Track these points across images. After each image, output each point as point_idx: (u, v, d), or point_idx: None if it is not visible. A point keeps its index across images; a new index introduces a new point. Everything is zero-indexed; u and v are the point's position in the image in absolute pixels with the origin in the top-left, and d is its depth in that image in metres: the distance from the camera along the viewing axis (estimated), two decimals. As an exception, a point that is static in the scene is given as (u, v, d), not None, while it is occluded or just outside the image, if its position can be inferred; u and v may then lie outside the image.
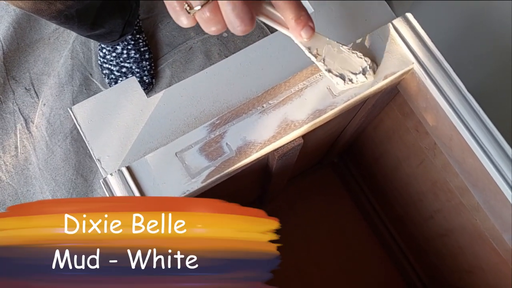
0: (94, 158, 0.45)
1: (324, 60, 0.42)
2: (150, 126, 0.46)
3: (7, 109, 1.01)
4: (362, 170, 0.87)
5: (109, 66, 1.03)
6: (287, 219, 0.92)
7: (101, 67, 1.04)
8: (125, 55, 1.02)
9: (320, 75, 0.45)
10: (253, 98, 0.45)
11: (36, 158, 0.98)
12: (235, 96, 0.47)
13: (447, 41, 0.82)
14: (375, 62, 0.46)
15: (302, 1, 0.38)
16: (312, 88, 0.45)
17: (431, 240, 0.74)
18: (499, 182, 0.43)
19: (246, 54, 0.49)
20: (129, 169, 0.42)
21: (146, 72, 1.03)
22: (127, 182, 0.42)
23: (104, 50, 1.03)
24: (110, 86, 1.03)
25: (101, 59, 1.04)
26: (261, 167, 0.56)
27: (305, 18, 0.38)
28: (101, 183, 0.42)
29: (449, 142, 0.48)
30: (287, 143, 0.46)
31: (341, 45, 0.43)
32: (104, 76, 1.04)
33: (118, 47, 1.02)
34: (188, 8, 0.34)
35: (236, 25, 0.35)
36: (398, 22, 0.47)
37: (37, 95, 1.03)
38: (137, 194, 0.41)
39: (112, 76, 1.03)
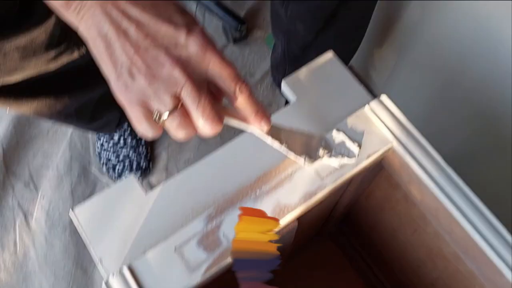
0: (95, 258, 0.46)
1: (286, 144, 0.46)
2: (149, 222, 0.48)
3: (7, 206, 1.03)
4: (360, 239, 0.88)
5: (107, 155, 1.06)
6: (291, 295, 0.91)
7: (99, 156, 1.08)
8: (122, 143, 1.06)
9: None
10: (246, 185, 0.48)
11: (35, 253, 0.98)
12: (229, 184, 0.50)
13: (422, 109, 0.87)
14: (359, 144, 0.49)
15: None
16: (300, 172, 0.48)
17: (436, 307, 0.73)
18: (487, 251, 0.44)
19: (237, 143, 0.52)
20: (130, 268, 0.43)
21: (143, 157, 1.07)
22: (128, 283, 0.43)
23: (101, 139, 1.07)
24: (108, 173, 1.06)
25: (99, 148, 1.07)
26: (259, 250, 0.57)
27: (262, 111, 0.41)
28: (103, 285, 0.43)
29: (436, 213, 0.50)
30: (282, 228, 0.48)
31: (298, 130, 0.48)
32: (102, 164, 1.07)
33: (115, 135, 1.06)
34: (156, 118, 0.35)
35: (207, 129, 0.36)
36: (374, 104, 0.51)
37: (36, 188, 1.05)
38: (139, 292, 0.42)
39: (110, 164, 1.06)
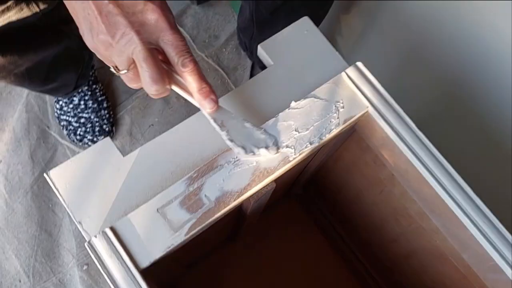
0: (75, 221, 0.46)
1: (228, 131, 0.47)
2: (128, 184, 0.48)
3: (-39, 169, 0.98)
4: (326, 200, 0.92)
5: (67, 118, 1.02)
6: (257, 253, 0.94)
7: (58, 119, 1.04)
8: (82, 106, 1.03)
9: (285, 124, 0.49)
10: (226, 150, 0.48)
11: (-4, 218, 0.95)
12: (209, 148, 0.50)
13: (389, 76, 0.89)
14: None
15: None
16: (282, 136, 0.49)
17: (396, 260, 0.78)
18: (454, 208, 0.48)
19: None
20: (112, 229, 0.43)
21: (105, 120, 1.04)
22: (112, 243, 0.43)
23: (60, 102, 1.03)
24: (69, 138, 1.03)
25: (58, 111, 1.03)
26: (236, 211, 0.59)
27: (207, 91, 0.44)
28: (86, 246, 0.43)
29: (406, 174, 0.53)
30: (261, 189, 0.49)
31: (245, 121, 0.48)
32: (62, 127, 1.03)
33: (75, 98, 1.02)
34: (115, 71, 0.43)
35: (150, 88, 0.42)
36: (350, 71, 0.52)
37: (-8, 152, 1.00)
38: (123, 253, 0.42)
39: (71, 127, 1.02)
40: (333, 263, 0.95)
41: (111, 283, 0.42)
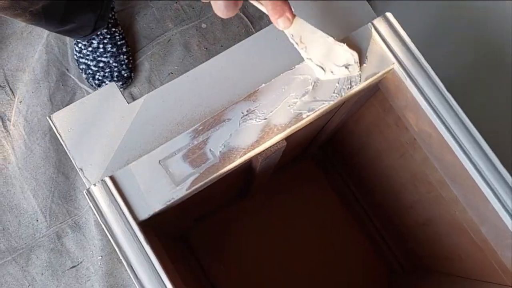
0: (76, 168, 0.44)
1: (306, 48, 0.43)
2: (132, 133, 0.46)
3: (-18, 108, 0.99)
4: (343, 161, 0.88)
5: (86, 61, 1.01)
6: (269, 211, 0.93)
7: (77, 62, 1.02)
8: (101, 50, 1.00)
9: (301, 77, 0.46)
10: (235, 102, 0.45)
11: (15, 157, 0.96)
12: (218, 100, 0.47)
13: (423, 36, 0.83)
14: (360, 58, 0.46)
15: None
16: (293, 91, 0.45)
17: (411, 228, 0.76)
18: (476, 178, 0.44)
19: (227, 56, 0.49)
20: (112, 178, 0.42)
21: (124, 66, 1.01)
22: (111, 192, 0.41)
23: (79, 45, 1.00)
24: (88, 82, 1.01)
25: (77, 54, 1.01)
26: (245, 169, 0.57)
27: (281, 8, 0.39)
28: (84, 194, 0.41)
29: (429, 139, 0.49)
30: (270, 147, 0.47)
31: (327, 35, 0.43)
32: (81, 71, 1.02)
33: (93, 41, 1.00)
34: None
35: (219, 4, 0.36)
36: (378, 22, 0.47)
37: (12, 92, 1.00)
38: (121, 204, 0.41)
39: (89, 71, 1.01)
40: (345, 225, 0.94)
41: (109, 233, 0.41)
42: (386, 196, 0.78)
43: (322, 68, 0.43)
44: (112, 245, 0.91)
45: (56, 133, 0.45)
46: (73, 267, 0.94)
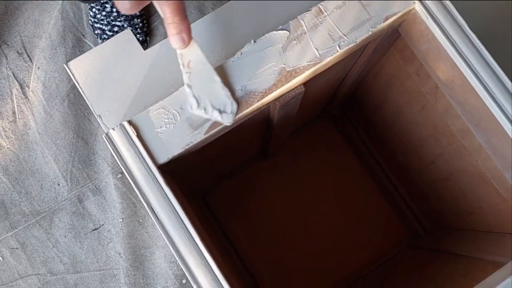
0: (95, 114, 0.44)
1: (190, 75, 0.41)
2: (149, 79, 0.46)
3: (1, 75, 1.00)
4: (363, 120, 0.87)
5: (101, 26, 1.00)
6: (289, 171, 0.93)
7: (92, 27, 1.02)
8: (115, 13, 1.00)
9: (320, 20, 0.44)
10: (250, 45, 0.44)
11: (35, 123, 0.98)
12: (235, 43, 0.46)
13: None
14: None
15: None
16: (312, 34, 0.44)
17: (433, 185, 0.75)
18: (501, 120, 0.43)
19: (242, 1, 0.48)
20: (131, 123, 0.42)
21: (139, 30, 1.01)
22: (130, 136, 0.41)
23: (94, 10, 1.00)
24: (104, 47, 1.01)
25: (92, 19, 1.01)
26: (263, 118, 0.56)
27: (178, 26, 0.37)
28: (104, 138, 0.42)
29: (451, 83, 0.47)
30: (288, 92, 0.46)
31: (216, 74, 0.41)
32: (96, 36, 1.01)
33: (107, 5, 0.99)
34: None
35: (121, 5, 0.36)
36: (398, -40, 0.45)
37: (30, 58, 1.01)
38: (140, 147, 0.41)
39: (105, 36, 1.00)
40: (365, 186, 0.93)
41: (129, 176, 0.41)
42: (407, 153, 0.77)
43: (197, 101, 0.41)
44: (132, 204, 0.92)
45: (74, 80, 0.45)
46: (95, 229, 0.96)
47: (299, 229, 0.91)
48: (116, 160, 0.97)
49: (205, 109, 0.41)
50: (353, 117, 0.90)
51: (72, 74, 0.45)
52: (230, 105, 0.42)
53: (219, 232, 0.89)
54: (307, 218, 0.92)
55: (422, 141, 0.68)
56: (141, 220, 0.95)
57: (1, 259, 0.95)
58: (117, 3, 0.36)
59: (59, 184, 0.96)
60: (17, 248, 0.96)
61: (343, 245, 0.91)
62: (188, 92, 0.41)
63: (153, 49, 0.46)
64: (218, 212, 0.91)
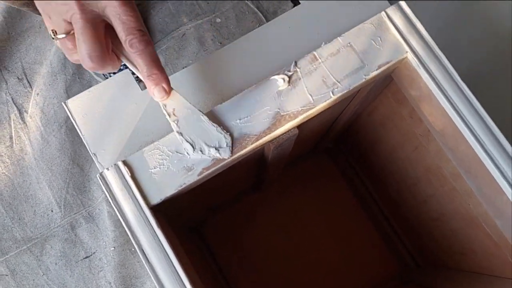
0: (90, 153, 0.45)
1: (178, 121, 0.41)
2: (145, 120, 0.46)
3: (0, 99, 1.01)
4: (357, 155, 0.88)
5: (102, 54, 1.02)
6: (283, 204, 0.93)
7: (93, 55, 1.03)
8: (117, 43, 1.01)
9: (315, 67, 0.45)
10: (246, 90, 0.45)
11: (32, 148, 0.98)
12: (229, 88, 0.47)
13: (439, 26, 0.82)
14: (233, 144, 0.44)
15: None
16: (306, 80, 0.45)
17: (424, 223, 0.75)
18: (492, 169, 0.43)
19: (239, 44, 0.49)
20: (125, 163, 0.42)
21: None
22: (124, 176, 0.42)
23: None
24: (104, 75, 1.03)
25: (93, 47, 1.03)
26: (257, 157, 0.57)
27: (157, 77, 0.38)
28: (98, 177, 0.42)
29: (442, 130, 0.48)
30: (282, 134, 0.47)
31: (201, 114, 0.42)
32: (97, 64, 1.03)
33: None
34: (52, 34, 0.37)
35: (85, 62, 0.36)
36: (391, 11, 0.47)
37: (30, 84, 1.02)
38: (133, 188, 0.42)
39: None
40: (358, 219, 0.93)
41: (121, 217, 0.41)
42: (400, 191, 0.77)
43: (192, 145, 0.42)
44: (125, 232, 0.92)
45: (71, 118, 0.46)
46: (86, 257, 0.95)
47: (291, 261, 0.91)
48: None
49: (201, 150, 0.42)
50: (347, 151, 0.91)
51: (70, 112, 0.46)
52: (224, 139, 0.43)
53: (213, 264, 0.88)
54: (299, 250, 0.92)
55: (415, 180, 0.69)
56: (133, 249, 0.95)
57: (-10, 286, 0.94)
58: (81, 60, 0.37)
59: (52, 211, 0.96)
60: (6, 275, 0.94)
61: (335, 277, 0.91)
62: (181, 139, 0.42)
63: (150, 90, 0.47)
64: (211, 244, 0.90)
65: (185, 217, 0.67)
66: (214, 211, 0.89)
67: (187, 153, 0.42)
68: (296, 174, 0.94)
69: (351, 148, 0.89)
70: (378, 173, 0.82)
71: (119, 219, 0.96)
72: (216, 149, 0.42)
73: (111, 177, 0.42)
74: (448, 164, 0.55)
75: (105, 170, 0.42)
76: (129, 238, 0.96)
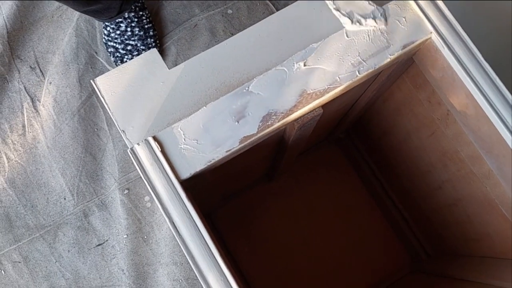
0: (119, 129, 0.46)
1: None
2: (172, 98, 0.47)
3: (13, 88, 1.01)
4: (369, 145, 0.89)
5: (114, 44, 1.02)
6: (294, 193, 0.94)
7: (106, 45, 1.04)
8: (129, 33, 1.02)
9: (340, 45, 0.46)
10: (273, 68, 0.46)
11: (44, 137, 0.98)
12: (255, 66, 0.48)
13: (463, 9, 0.82)
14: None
15: None
16: (334, 59, 0.46)
17: (438, 210, 0.75)
18: (515, 147, 0.44)
19: (263, 26, 0.50)
20: (155, 138, 0.43)
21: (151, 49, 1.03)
22: (154, 152, 0.42)
23: (108, 28, 1.02)
24: (116, 65, 1.03)
25: (106, 37, 1.03)
26: (277, 139, 0.57)
27: None
28: (129, 152, 0.43)
29: (465, 110, 0.49)
30: (307, 113, 0.47)
31: None
32: (109, 54, 1.03)
33: (122, 24, 1.01)
34: None
35: None
36: (415, -8, 0.48)
37: (42, 73, 1.02)
38: (164, 162, 0.42)
39: (118, 54, 1.02)
40: (369, 209, 0.94)
41: (152, 191, 0.42)
42: (413, 179, 0.78)
43: (349, 18, 0.45)
44: (138, 220, 0.92)
45: (100, 96, 0.46)
46: (99, 245, 0.95)
47: (301, 251, 0.92)
48: (123, 176, 0.98)
49: (359, 22, 0.45)
50: (359, 141, 0.92)
51: (98, 90, 0.46)
52: (378, 10, 0.46)
53: (224, 251, 0.89)
54: (309, 240, 0.92)
55: (430, 166, 0.69)
56: (145, 237, 0.95)
57: (3, 273, 0.94)
58: None
59: (65, 198, 0.96)
60: (19, 262, 0.95)
61: (345, 268, 0.91)
62: (338, 14, 0.45)
63: (177, 68, 0.47)
64: (223, 232, 0.91)
65: (203, 202, 0.68)
66: (226, 199, 0.90)
67: (344, 25, 0.45)
68: (306, 164, 0.94)
69: (363, 137, 0.89)
70: (390, 161, 0.83)
71: (131, 208, 0.96)
72: (372, 18, 0.45)
73: (141, 152, 0.42)
74: (466, 147, 0.56)
75: (136, 145, 0.43)
76: (141, 226, 0.97)
